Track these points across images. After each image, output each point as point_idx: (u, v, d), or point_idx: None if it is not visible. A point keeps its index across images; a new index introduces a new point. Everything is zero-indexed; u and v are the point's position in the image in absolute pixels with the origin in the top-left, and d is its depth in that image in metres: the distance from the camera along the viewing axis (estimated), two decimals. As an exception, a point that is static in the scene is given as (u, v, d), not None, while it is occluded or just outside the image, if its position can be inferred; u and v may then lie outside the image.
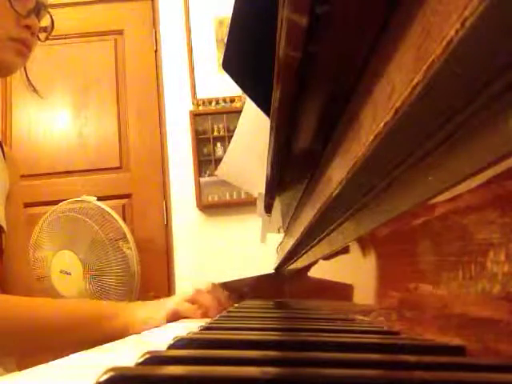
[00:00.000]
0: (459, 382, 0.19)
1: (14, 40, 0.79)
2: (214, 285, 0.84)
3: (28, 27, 0.80)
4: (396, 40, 0.27)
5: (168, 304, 0.76)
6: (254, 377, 0.18)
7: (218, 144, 2.52)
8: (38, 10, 0.82)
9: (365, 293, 0.51)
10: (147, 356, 0.21)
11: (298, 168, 0.69)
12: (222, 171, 1.21)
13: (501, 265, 0.23)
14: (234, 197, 2.46)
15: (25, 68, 0.91)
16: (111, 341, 0.68)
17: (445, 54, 0.20)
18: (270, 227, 1.26)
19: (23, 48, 0.80)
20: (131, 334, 0.68)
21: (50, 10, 0.86)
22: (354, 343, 0.29)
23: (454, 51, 0.20)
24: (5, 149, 0.95)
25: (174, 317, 0.73)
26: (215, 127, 2.54)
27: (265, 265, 1.41)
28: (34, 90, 0.96)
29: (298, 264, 0.96)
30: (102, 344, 0.72)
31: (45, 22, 0.87)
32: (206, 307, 0.76)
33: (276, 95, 0.44)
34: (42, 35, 0.86)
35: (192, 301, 0.76)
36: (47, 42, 0.87)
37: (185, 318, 0.73)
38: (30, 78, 0.93)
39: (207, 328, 0.38)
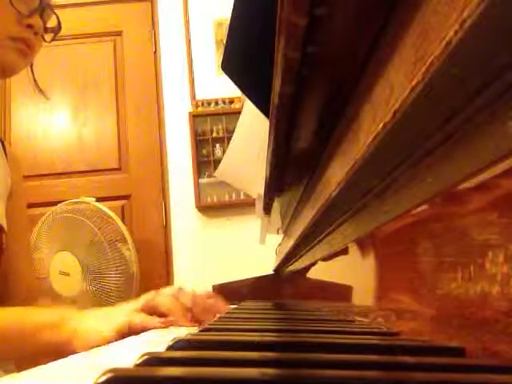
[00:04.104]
0: (459, 382, 0.19)
1: (14, 39, 0.78)
2: (180, 289, 0.73)
3: (30, 27, 0.79)
4: (395, 41, 0.27)
5: (117, 317, 0.66)
6: (252, 378, 0.18)
7: (217, 145, 2.52)
8: (42, 10, 0.81)
9: (364, 294, 0.51)
10: (146, 357, 0.21)
11: (297, 169, 0.69)
12: (221, 172, 1.21)
13: (500, 266, 0.23)
14: (233, 198, 2.46)
15: (31, 69, 0.90)
16: (54, 353, 0.65)
17: (444, 55, 0.20)
18: (269, 228, 1.26)
19: (25, 48, 0.79)
20: (75, 347, 0.62)
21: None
22: (353, 344, 0.29)
23: (452, 52, 0.20)
24: (6, 146, 0.94)
25: (126, 330, 0.64)
26: (214, 128, 2.54)
27: (264, 266, 1.41)
28: (41, 92, 0.95)
29: (297, 265, 0.96)
30: (43, 356, 0.69)
31: (51, 23, 0.86)
32: (167, 313, 0.67)
33: (275, 96, 0.44)
34: (48, 36, 0.85)
35: (150, 308, 0.67)
36: (50, 43, 0.86)
37: (142, 329, 0.64)
38: (36, 79, 0.92)
39: (206, 329, 0.38)
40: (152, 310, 0.67)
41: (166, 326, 0.64)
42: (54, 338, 0.65)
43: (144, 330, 0.62)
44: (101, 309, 0.71)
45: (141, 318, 0.64)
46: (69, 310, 0.74)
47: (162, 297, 0.69)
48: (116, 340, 0.61)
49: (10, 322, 0.67)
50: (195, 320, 0.66)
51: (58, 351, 0.64)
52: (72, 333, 0.65)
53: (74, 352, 0.62)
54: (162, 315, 0.66)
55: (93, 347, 0.62)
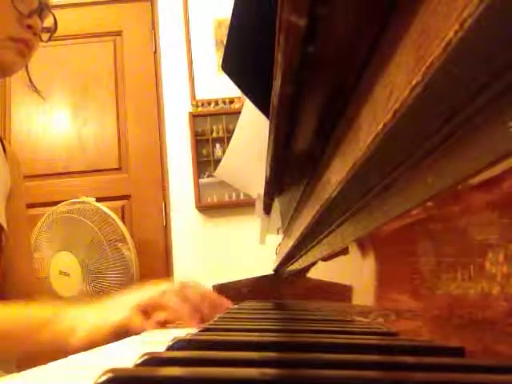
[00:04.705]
0: (458, 382, 0.19)
1: (14, 40, 0.78)
2: (185, 285, 0.68)
3: (30, 27, 0.79)
4: (395, 41, 0.27)
5: (117, 314, 0.63)
6: (252, 378, 0.18)
7: (217, 145, 2.52)
8: (41, 11, 0.81)
9: (364, 294, 0.51)
10: (146, 357, 0.21)
11: (297, 169, 0.69)
12: (221, 172, 1.21)
13: (500, 266, 0.23)
14: (233, 198, 2.46)
15: (27, 69, 0.90)
16: (52, 351, 0.62)
17: (444, 55, 0.20)
18: (269, 228, 1.26)
19: (24, 48, 0.80)
20: (73, 344, 0.61)
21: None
22: (352, 344, 0.29)
23: (452, 52, 0.20)
24: (6, 145, 0.94)
25: (125, 330, 0.61)
26: (214, 128, 2.54)
27: (264, 266, 1.41)
28: (36, 91, 0.95)
29: (297, 265, 0.96)
30: (42, 354, 0.67)
31: (48, 22, 0.86)
32: (174, 317, 0.63)
33: (275, 96, 0.44)
34: (45, 36, 0.85)
35: (151, 306, 0.64)
36: (46, 42, 0.87)
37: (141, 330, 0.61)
38: (32, 79, 0.93)
39: (206, 329, 0.38)
40: (156, 308, 0.63)
41: (169, 323, 0.61)
42: (49, 334, 0.63)
43: (143, 331, 0.59)
44: (100, 303, 0.68)
45: (141, 321, 0.61)
46: (66, 306, 0.71)
47: (169, 296, 0.64)
48: (114, 338, 0.59)
49: (8, 321, 0.66)
50: (203, 321, 0.62)
51: (56, 349, 0.63)
52: (70, 330, 0.63)
53: (71, 349, 0.62)
54: (162, 313, 0.62)
55: (90, 345, 0.61)
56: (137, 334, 0.58)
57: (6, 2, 0.77)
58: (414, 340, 0.32)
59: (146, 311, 0.63)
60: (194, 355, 0.24)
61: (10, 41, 0.78)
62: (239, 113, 1.05)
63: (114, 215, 2.16)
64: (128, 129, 2.58)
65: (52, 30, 0.86)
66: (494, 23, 0.18)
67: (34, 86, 0.94)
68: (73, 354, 0.63)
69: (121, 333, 0.60)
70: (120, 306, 0.65)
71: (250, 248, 2.02)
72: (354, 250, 0.54)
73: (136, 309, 0.63)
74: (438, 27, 0.21)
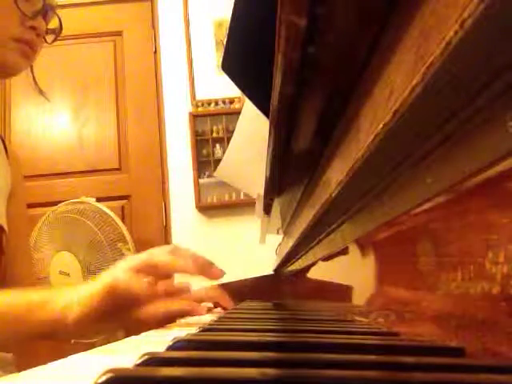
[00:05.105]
0: (458, 383, 0.19)
1: (17, 40, 0.78)
2: (173, 246, 0.66)
3: (33, 28, 0.79)
4: (395, 41, 0.27)
5: (103, 280, 0.62)
6: (253, 378, 0.18)
7: (217, 145, 2.52)
8: (46, 12, 0.81)
9: (364, 294, 0.51)
10: (146, 357, 0.21)
11: (297, 169, 0.69)
12: (221, 172, 1.21)
13: (500, 266, 0.23)
14: (233, 198, 2.46)
15: (32, 70, 0.90)
16: (49, 332, 0.63)
17: (444, 55, 0.20)
18: (269, 228, 1.26)
19: (27, 49, 0.80)
20: (70, 319, 0.62)
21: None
22: (353, 344, 0.29)
23: (452, 52, 0.20)
24: (7, 146, 0.94)
25: (113, 291, 0.60)
26: (214, 128, 2.54)
27: (264, 266, 1.41)
28: (41, 92, 0.95)
29: (298, 265, 0.96)
30: (39, 336, 0.67)
31: (53, 23, 0.86)
32: (164, 267, 0.62)
33: (275, 96, 0.44)
34: (49, 37, 0.85)
35: (143, 267, 0.62)
36: (51, 44, 0.86)
37: (132, 293, 0.60)
38: (37, 80, 0.92)
39: (206, 329, 0.38)
40: (148, 269, 0.62)
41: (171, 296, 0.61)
42: (47, 315, 0.63)
43: (130, 291, 0.59)
44: (93, 279, 0.68)
45: (129, 278, 0.60)
46: (59, 287, 0.72)
47: (159, 254, 0.63)
48: (110, 303, 0.60)
49: (6, 303, 0.66)
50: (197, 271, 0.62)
51: (54, 329, 0.64)
52: (66, 306, 0.63)
53: (69, 327, 0.62)
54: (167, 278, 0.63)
55: (88, 315, 0.61)
56: (130, 294, 0.58)
57: (9, 2, 0.76)
58: (414, 340, 0.32)
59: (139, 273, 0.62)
60: (194, 355, 0.24)
61: (13, 41, 0.78)
62: (239, 113, 1.05)
63: (114, 215, 2.16)
64: (128, 129, 2.58)
65: (57, 32, 0.86)
66: (494, 23, 0.18)
67: (39, 88, 0.94)
68: (73, 330, 0.63)
69: (108, 291, 0.60)
70: (110, 272, 0.65)
71: (250, 248, 2.02)
72: (353, 250, 0.54)
73: (126, 271, 0.62)
74: (438, 27, 0.21)
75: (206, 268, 0.64)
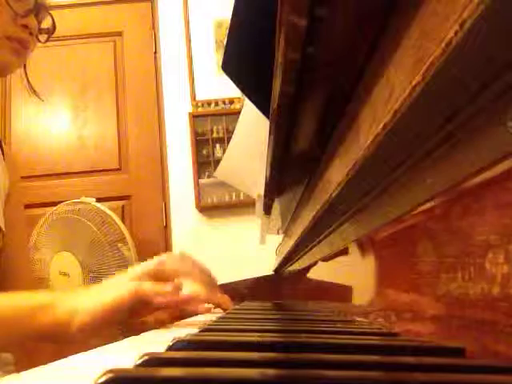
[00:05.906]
0: (458, 383, 0.19)
1: (9, 39, 0.78)
2: (180, 253, 0.66)
3: (25, 27, 0.79)
4: (395, 41, 0.27)
5: (119, 285, 0.61)
6: (253, 379, 0.18)
7: (218, 145, 2.52)
8: (38, 11, 0.81)
9: (364, 294, 0.51)
10: (146, 358, 0.21)
11: (297, 169, 0.69)
12: (221, 172, 1.21)
13: (500, 266, 0.23)
14: (234, 198, 2.46)
15: (25, 70, 0.90)
16: (52, 335, 0.62)
17: (444, 56, 0.20)
18: (269, 229, 1.26)
19: (20, 47, 0.80)
20: (76, 324, 0.61)
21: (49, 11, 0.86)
22: (353, 345, 0.29)
23: (452, 52, 0.20)
24: (4, 148, 0.94)
25: (133, 296, 0.60)
26: (214, 129, 2.54)
27: (264, 266, 1.41)
28: (34, 93, 0.95)
29: (297, 265, 0.96)
30: (41, 339, 0.66)
31: (46, 23, 0.86)
32: (172, 273, 0.62)
33: (275, 96, 0.44)
34: (43, 37, 0.86)
35: (150, 274, 0.62)
36: (46, 43, 0.87)
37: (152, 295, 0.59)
38: (30, 81, 0.93)
39: (206, 329, 0.38)
40: (159, 275, 0.63)
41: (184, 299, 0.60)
42: (50, 318, 0.63)
43: (155, 296, 0.59)
44: (98, 286, 0.68)
45: (149, 284, 0.60)
46: (66, 291, 0.71)
47: (167, 261, 0.64)
48: (117, 316, 0.59)
49: (4, 307, 0.65)
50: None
51: (56, 333, 0.63)
52: (71, 311, 0.62)
53: (72, 333, 0.62)
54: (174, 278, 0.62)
55: (92, 326, 0.61)
56: (147, 301, 0.57)
57: (1, 1, 0.77)
58: (414, 340, 0.32)
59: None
60: (194, 355, 0.24)
61: (5, 40, 0.78)
62: (239, 113, 1.05)
63: (114, 215, 2.16)
64: (128, 129, 2.58)
65: (50, 31, 0.86)
66: (494, 24, 0.18)
67: (32, 88, 0.94)
68: (77, 336, 0.62)
69: (130, 301, 0.60)
70: (117, 283, 0.65)
71: (250, 248, 2.02)
72: (353, 250, 0.54)
73: (134, 279, 0.63)
74: (438, 27, 0.21)
75: (213, 294, 0.66)
